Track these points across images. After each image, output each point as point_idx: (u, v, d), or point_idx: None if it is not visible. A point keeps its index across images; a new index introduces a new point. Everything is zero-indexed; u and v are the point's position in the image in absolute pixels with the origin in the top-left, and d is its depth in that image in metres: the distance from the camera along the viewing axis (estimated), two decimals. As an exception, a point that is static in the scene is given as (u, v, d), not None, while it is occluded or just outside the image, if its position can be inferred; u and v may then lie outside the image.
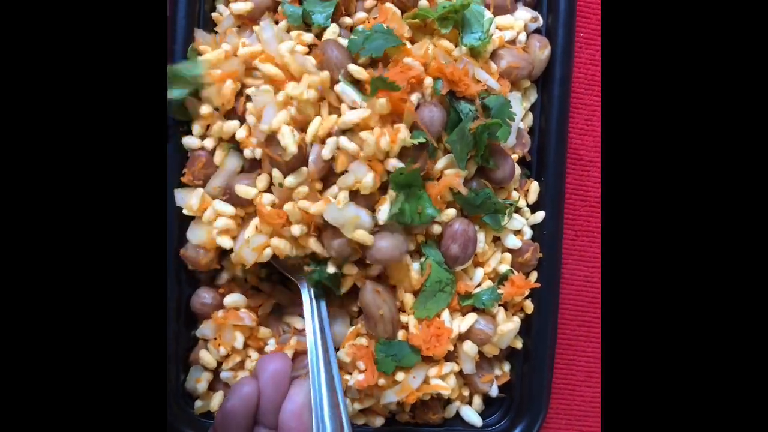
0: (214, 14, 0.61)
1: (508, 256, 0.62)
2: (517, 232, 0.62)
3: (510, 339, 0.62)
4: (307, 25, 0.58)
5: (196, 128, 0.58)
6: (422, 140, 0.54)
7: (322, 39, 0.56)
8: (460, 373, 0.61)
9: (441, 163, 0.57)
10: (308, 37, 0.57)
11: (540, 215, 0.62)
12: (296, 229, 0.54)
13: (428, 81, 0.56)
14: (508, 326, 0.61)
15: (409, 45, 0.57)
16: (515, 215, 0.62)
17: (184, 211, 0.58)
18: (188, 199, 0.58)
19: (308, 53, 0.56)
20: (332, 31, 0.56)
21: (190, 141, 0.58)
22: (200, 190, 0.58)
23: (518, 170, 0.61)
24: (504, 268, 0.61)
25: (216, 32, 0.60)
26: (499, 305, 0.61)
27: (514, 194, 0.62)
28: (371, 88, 0.53)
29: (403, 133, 0.53)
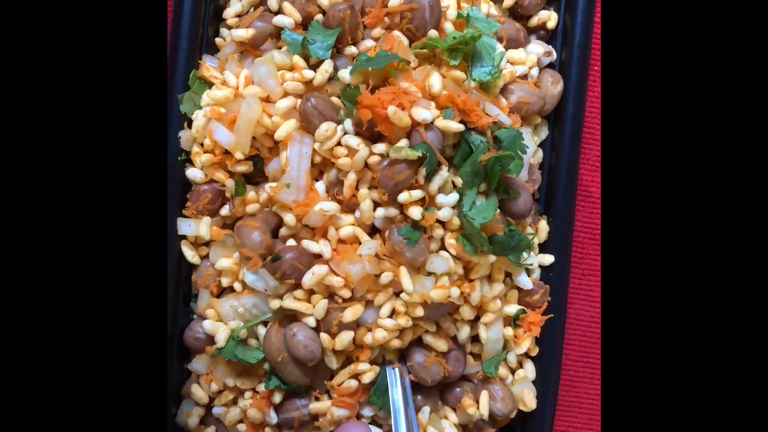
0: (217, 39, 0.60)
1: (514, 293, 0.59)
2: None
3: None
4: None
5: (199, 159, 0.56)
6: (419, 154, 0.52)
7: (302, 98, 0.54)
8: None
9: (435, 183, 0.53)
10: (308, 73, 0.55)
11: (549, 258, 0.60)
12: None
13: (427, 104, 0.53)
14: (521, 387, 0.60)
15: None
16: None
17: (184, 248, 0.57)
18: (195, 228, 0.57)
19: (307, 82, 0.55)
20: (325, 69, 0.54)
21: (193, 174, 0.57)
22: (207, 219, 0.57)
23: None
24: (512, 309, 0.59)
25: (218, 58, 0.58)
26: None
27: (528, 230, 0.59)
28: (346, 105, 0.53)
29: (403, 142, 0.52)
